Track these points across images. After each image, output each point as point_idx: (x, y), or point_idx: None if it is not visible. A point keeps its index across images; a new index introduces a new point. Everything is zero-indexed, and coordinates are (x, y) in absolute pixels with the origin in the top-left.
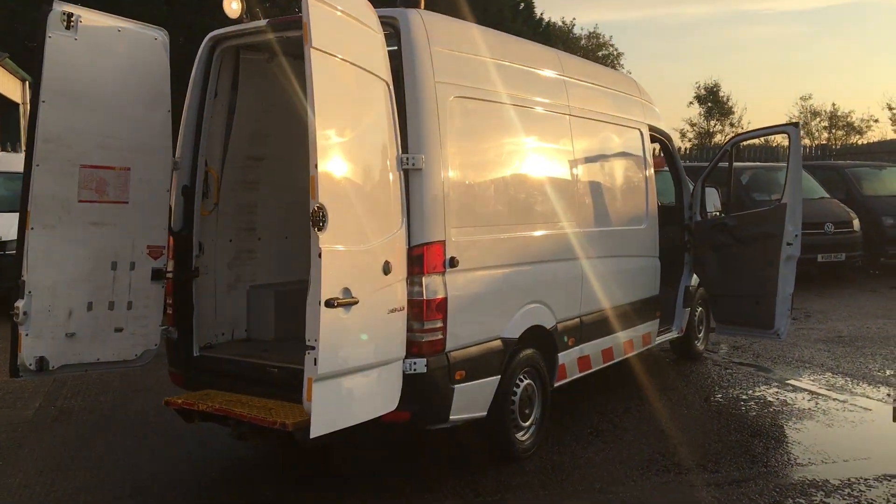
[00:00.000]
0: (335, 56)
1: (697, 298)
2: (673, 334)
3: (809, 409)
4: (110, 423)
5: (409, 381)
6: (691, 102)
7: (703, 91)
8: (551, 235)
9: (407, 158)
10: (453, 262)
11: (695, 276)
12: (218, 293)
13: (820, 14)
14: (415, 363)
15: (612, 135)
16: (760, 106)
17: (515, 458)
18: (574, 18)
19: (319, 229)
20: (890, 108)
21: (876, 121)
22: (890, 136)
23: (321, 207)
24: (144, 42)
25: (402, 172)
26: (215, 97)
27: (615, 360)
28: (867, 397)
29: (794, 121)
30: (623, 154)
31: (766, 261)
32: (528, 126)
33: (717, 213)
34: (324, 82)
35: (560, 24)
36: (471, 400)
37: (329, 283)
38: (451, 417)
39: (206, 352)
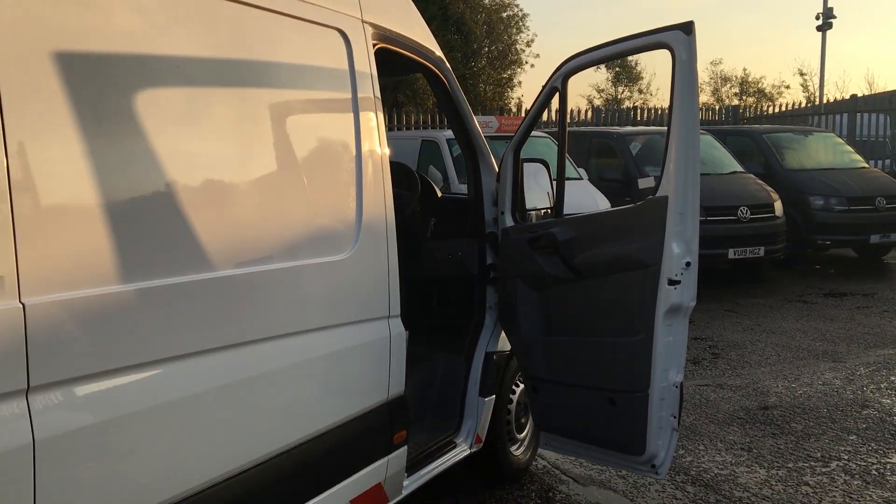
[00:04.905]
0: None
1: (513, 374)
2: (461, 450)
3: None
4: None
5: None
6: (598, 67)
7: None
8: None
9: None
10: None
11: (503, 334)
12: None
13: None
14: None
15: (215, 33)
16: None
17: None
18: None
19: None
20: (801, 74)
21: (787, 87)
22: (802, 102)
23: None
24: None
25: None
26: None
27: None
28: None
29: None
30: (267, 87)
31: (626, 316)
32: None
33: (546, 212)
34: None
35: None
36: None
37: None
38: None
39: None
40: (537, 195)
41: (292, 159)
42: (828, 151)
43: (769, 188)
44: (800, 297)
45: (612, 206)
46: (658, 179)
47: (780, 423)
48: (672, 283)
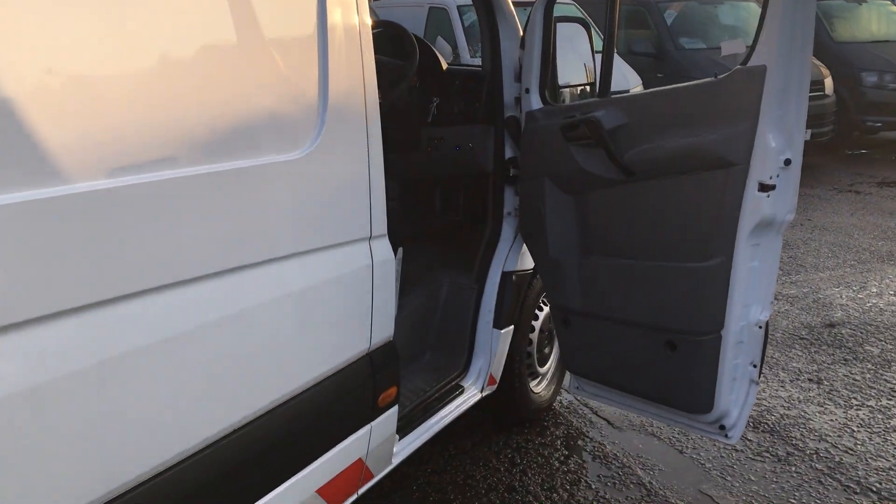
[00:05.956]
0: None
1: (536, 294)
2: (470, 396)
3: None
4: None
5: None
6: None
7: None
8: None
9: None
10: None
11: (525, 248)
12: None
13: None
14: None
15: None
16: None
17: None
18: None
19: None
20: None
21: None
22: None
23: None
24: None
25: None
26: None
27: None
28: None
29: None
30: None
31: (697, 232)
32: None
33: (585, 90)
34: None
35: None
36: None
37: None
38: None
39: None
40: (574, 68)
41: (215, 10)
42: (881, 21)
43: (819, 62)
44: (850, 186)
45: (643, 84)
46: (751, 44)
47: (851, 345)
48: (764, 188)
